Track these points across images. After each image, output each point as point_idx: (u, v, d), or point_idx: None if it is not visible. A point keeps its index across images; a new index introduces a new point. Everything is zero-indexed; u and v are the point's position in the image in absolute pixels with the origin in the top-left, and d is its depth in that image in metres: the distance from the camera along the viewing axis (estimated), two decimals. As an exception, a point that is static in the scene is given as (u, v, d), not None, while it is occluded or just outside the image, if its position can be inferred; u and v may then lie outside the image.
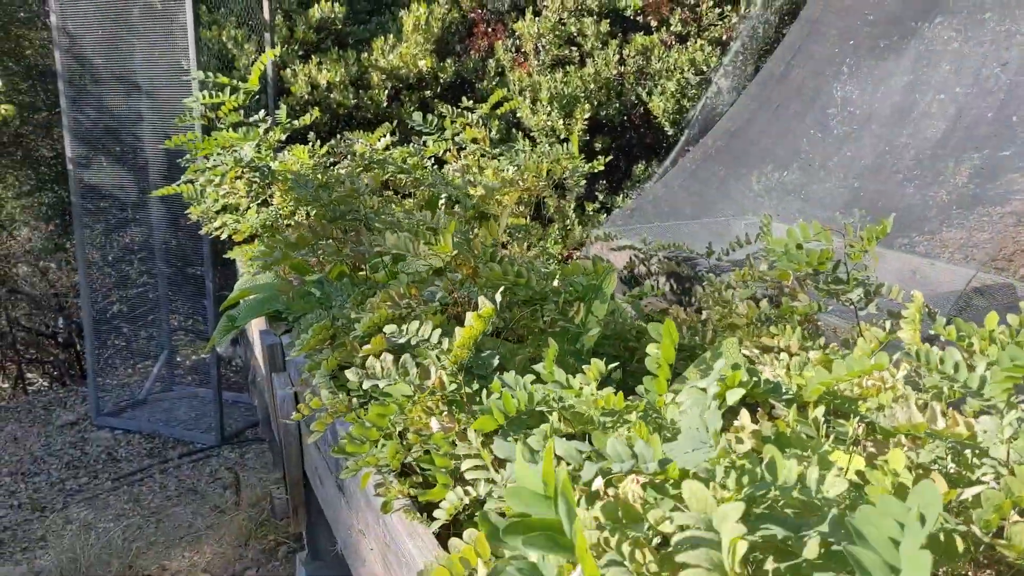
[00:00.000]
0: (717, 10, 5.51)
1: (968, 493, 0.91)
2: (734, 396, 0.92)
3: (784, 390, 1.05)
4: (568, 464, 0.82)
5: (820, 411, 1.00)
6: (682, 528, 0.63)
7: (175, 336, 6.09)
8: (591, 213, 5.70)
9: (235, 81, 3.15)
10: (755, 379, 1.00)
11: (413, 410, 1.32)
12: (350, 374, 1.23)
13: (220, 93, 3.11)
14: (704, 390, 0.91)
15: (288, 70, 5.58)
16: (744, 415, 1.09)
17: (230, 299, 2.91)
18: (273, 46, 5.37)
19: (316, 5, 5.83)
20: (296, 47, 5.78)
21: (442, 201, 3.09)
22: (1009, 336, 1.09)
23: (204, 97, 3.03)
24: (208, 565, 3.69)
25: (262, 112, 3.48)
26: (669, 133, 5.62)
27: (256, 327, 3.02)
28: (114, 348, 5.88)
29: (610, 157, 5.48)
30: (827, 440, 0.98)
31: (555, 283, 1.82)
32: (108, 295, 5.97)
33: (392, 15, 6.20)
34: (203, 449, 5.13)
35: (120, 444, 5.29)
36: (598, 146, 5.80)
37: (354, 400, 1.51)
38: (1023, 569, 0.82)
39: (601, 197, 5.79)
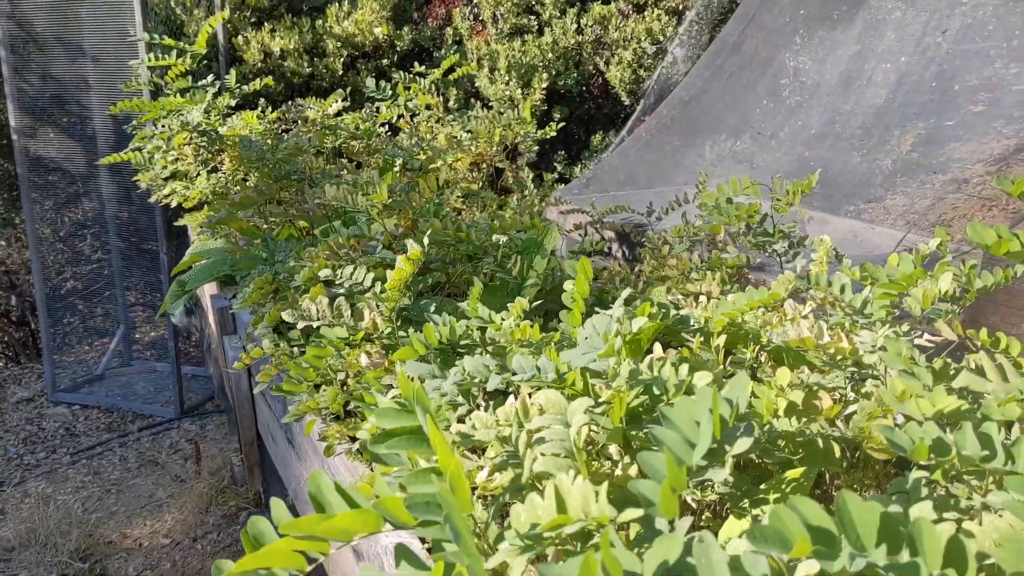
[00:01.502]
0: (673, -20, 5.55)
1: (851, 408, 0.98)
2: (639, 323, 0.98)
3: (692, 323, 1.12)
4: (475, 377, 0.88)
5: (722, 339, 1.07)
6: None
7: (131, 311, 6.03)
8: (549, 183, 5.74)
9: (182, 44, 3.12)
10: (663, 310, 1.07)
11: (351, 354, 1.36)
12: (286, 315, 1.27)
13: (167, 56, 3.08)
14: (609, 315, 0.97)
15: (240, 37, 5.51)
16: (657, 347, 1.15)
17: (180, 264, 2.91)
18: (222, 10, 5.28)
19: (269, -28, 5.74)
20: (248, 14, 5.69)
21: (396, 168, 3.11)
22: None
23: (150, 60, 3.00)
24: (169, 531, 3.71)
25: (210, 77, 3.45)
26: (626, 103, 5.67)
27: (208, 293, 3.03)
28: (69, 325, 5.81)
29: (563, 124, 5.51)
30: (725, 364, 1.05)
31: (497, 239, 1.87)
32: (62, 271, 5.88)
33: (348, -18, 6.13)
34: (163, 422, 5.12)
35: (78, 419, 5.24)
36: (556, 116, 5.83)
37: (295, 349, 1.55)
38: (889, 472, 0.90)
39: (560, 168, 5.83)
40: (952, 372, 0.90)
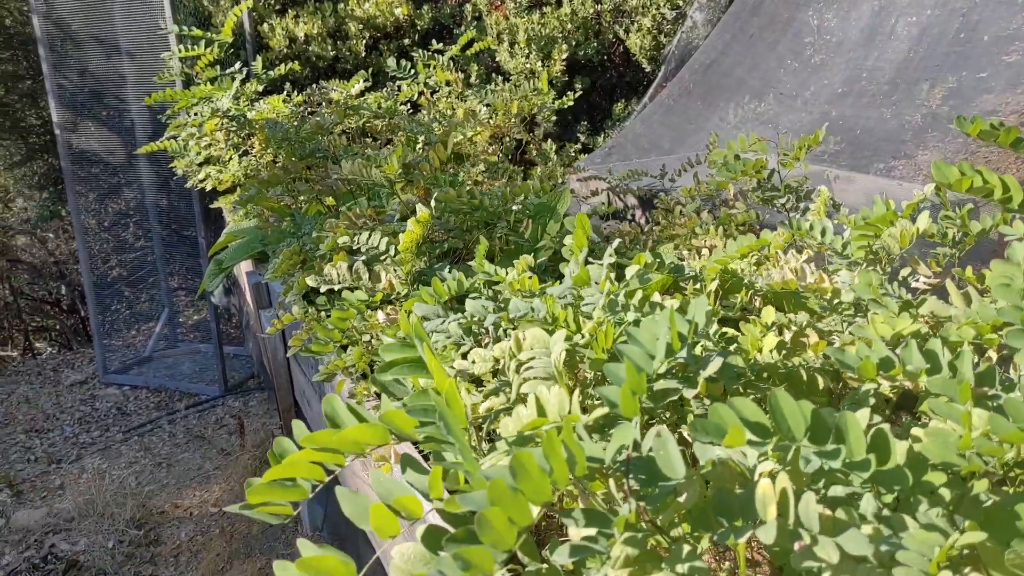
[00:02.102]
0: (691, -57, 5.50)
1: (837, 342, 1.05)
2: (632, 270, 1.06)
3: (688, 271, 1.18)
4: (475, 316, 0.97)
5: (714, 284, 1.14)
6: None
7: (175, 295, 6.25)
8: (572, 154, 5.79)
9: (209, 34, 3.23)
10: (658, 260, 1.14)
11: (372, 316, 1.46)
12: (310, 281, 1.37)
13: (196, 46, 3.20)
14: (600, 263, 1.05)
15: (265, 25, 5.62)
16: (658, 296, 1.23)
17: (217, 244, 3.04)
18: None
19: (290, -42, 5.83)
20: (272, 1, 5.80)
21: (419, 145, 3.19)
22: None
23: (181, 51, 3.12)
24: (217, 500, 3.90)
25: (237, 65, 3.57)
26: (647, 70, 5.67)
27: (244, 271, 3.16)
28: (117, 311, 6.05)
29: (585, 94, 5.52)
30: (716, 306, 1.12)
31: (513, 206, 1.95)
32: (107, 260, 6.11)
33: (368, -36, 6.19)
34: (208, 400, 5.33)
35: (128, 399, 5.49)
36: (578, 86, 5.84)
37: (322, 314, 1.65)
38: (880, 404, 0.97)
39: (583, 138, 5.86)
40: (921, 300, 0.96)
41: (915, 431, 0.74)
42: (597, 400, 1.00)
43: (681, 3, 5.44)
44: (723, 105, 5.13)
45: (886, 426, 0.63)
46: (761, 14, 5.10)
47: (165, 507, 3.90)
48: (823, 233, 1.13)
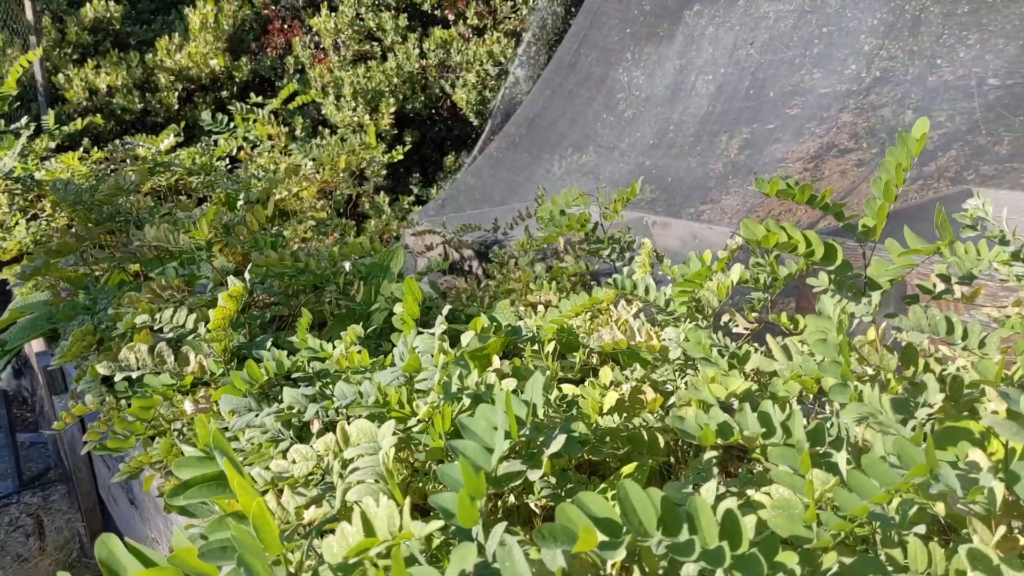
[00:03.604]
0: (509, 3, 5.72)
1: (673, 399, 1.05)
2: (467, 337, 1.01)
3: (525, 332, 1.15)
4: (293, 408, 0.87)
5: (551, 346, 1.12)
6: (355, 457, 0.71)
7: (-46, 378, 5.45)
8: (406, 206, 5.74)
9: (-14, 86, 2.89)
10: (495, 323, 1.10)
11: (181, 403, 1.30)
12: (101, 368, 1.19)
13: (-32, 100, 2.84)
14: (431, 333, 0.99)
15: (61, 75, 5.15)
16: (496, 360, 1.18)
17: (1, 322, 2.67)
18: (38, 47, 4.93)
19: (88, 4, 5.41)
20: (69, 50, 5.34)
21: (241, 202, 3.00)
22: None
23: (-52, 104, 2.75)
24: (10, 618, 3.37)
25: (24, 119, 3.21)
26: (475, 123, 5.77)
27: (35, 351, 2.80)
28: None
29: (416, 147, 5.51)
30: (556, 368, 1.09)
31: (342, 266, 1.85)
32: None
33: (179, 13, 5.89)
34: (0, 497, 4.65)
35: None
36: (408, 140, 5.84)
37: (122, 402, 1.46)
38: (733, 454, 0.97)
39: (416, 190, 5.84)
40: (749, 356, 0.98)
41: (757, 497, 0.73)
42: (440, 485, 0.92)
43: (503, 60, 5.62)
44: (548, 157, 5.32)
45: (733, 503, 0.61)
46: (577, 71, 5.37)
47: (-58, 633, 3.30)
48: (647, 291, 1.15)
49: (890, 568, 0.73)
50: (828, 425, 0.83)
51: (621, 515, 0.54)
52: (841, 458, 0.80)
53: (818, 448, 0.74)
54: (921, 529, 0.75)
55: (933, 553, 0.77)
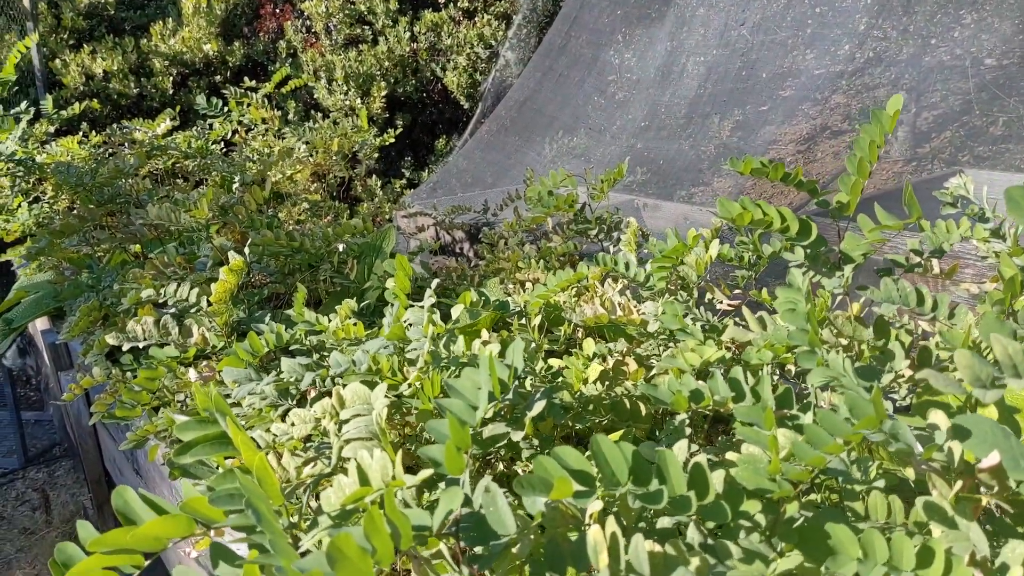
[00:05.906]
0: (501, -15, 5.72)
1: (655, 371, 1.10)
2: (457, 310, 1.06)
3: (513, 307, 1.20)
4: (291, 376, 0.92)
5: (538, 319, 1.17)
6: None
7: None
8: (398, 189, 5.77)
9: (-17, 71, 2.91)
10: (483, 298, 1.15)
11: (185, 374, 1.35)
12: (110, 339, 1.24)
13: (-34, 85, 2.86)
14: (421, 306, 1.04)
15: (58, 61, 5.15)
16: (484, 333, 1.23)
17: (6, 302, 2.71)
18: (35, 32, 4.94)
19: (81, -12, 5.40)
20: (65, 36, 5.33)
21: (236, 184, 3.04)
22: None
23: (-54, 89, 2.77)
24: (17, 592, 3.44)
25: (24, 104, 3.24)
26: (466, 107, 5.79)
27: (39, 329, 2.84)
28: None
29: (408, 130, 5.54)
30: (543, 342, 1.15)
31: (336, 246, 1.89)
32: None
33: (171, -2, 5.88)
34: (6, 473, 4.73)
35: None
36: (400, 123, 5.85)
37: (128, 374, 1.51)
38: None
39: (408, 173, 5.87)
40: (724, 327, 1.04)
41: (731, 455, 0.79)
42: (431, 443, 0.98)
43: (494, 43, 5.63)
44: (539, 140, 5.34)
45: (703, 459, 0.66)
46: (568, 54, 5.38)
47: (-49, 608, 3.37)
48: (627, 267, 1.20)
49: (851, 518, 0.79)
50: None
51: (594, 467, 0.59)
52: (807, 419, 0.85)
53: (786, 411, 0.79)
54: (880, 483, 0.81)
55: (892, 504, 0.82)
